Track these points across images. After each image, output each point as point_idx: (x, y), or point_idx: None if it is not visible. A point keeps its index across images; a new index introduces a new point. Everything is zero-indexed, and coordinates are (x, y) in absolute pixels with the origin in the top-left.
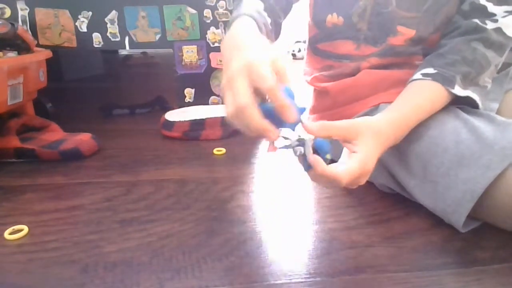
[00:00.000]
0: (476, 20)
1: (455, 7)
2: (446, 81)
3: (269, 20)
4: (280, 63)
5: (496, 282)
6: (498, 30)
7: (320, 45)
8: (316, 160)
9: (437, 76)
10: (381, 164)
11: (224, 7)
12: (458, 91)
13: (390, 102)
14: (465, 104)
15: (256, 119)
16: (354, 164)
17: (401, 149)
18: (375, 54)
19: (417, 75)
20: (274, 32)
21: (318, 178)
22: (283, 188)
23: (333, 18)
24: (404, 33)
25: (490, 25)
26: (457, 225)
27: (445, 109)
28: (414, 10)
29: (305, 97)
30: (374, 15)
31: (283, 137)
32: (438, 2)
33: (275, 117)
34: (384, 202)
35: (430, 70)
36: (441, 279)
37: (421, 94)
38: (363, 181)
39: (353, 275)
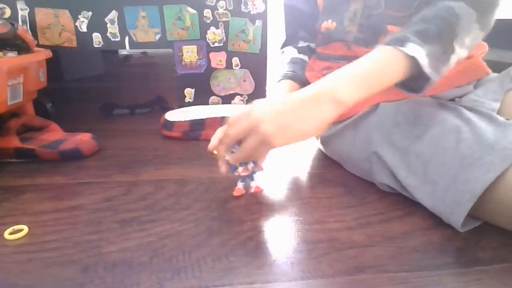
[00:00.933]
0: None
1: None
2: (395, 41)
3: (306, 58)
4: None
5: (496, 282)
6: None
7: (319, 49)
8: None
9: (388, 40)
10: (383, 163)
11: (224, 7)
12: (412, 49)
13: (389, 101)
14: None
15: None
16: (248, 138)
17: (402, 148)
18: None
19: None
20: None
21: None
22: (283, 188)
23: (327, 24)
24: (394, 32)
25: None
26: (456, 225)
27: (447, 107)
28: (404, 9)
29: None
30: (365, 18)
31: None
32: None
33: None
34: (384, 202)
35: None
36: (441, 279)
37: (369, 55)
38: (262, 135)
39: (353, 275)
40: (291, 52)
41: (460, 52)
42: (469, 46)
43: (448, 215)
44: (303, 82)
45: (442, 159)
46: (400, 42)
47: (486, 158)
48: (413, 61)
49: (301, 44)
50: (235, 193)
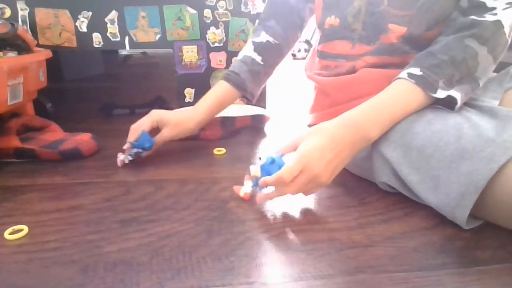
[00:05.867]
0: (473, 16)
1: (452, 3)
2: (428, 86)
3: (259, 58)
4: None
5: (496, 282)
6: (497, 23)
7: (320, 46)
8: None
9: (420, 80)
10: (385, 160)
11: (224, 7)
12: (440, 94)
13: None
14: (444, 104)
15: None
16: (293, 161)
17: (405, 145)
18: (370, 53)
19: (403, 73)
20: (276, 55)
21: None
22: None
23: (331, 20)
24: (395, 31)
25: (488, 18)
26: (461, 221)
27: None
28: (406, 8)
29: (306, 96)
30: (368, 15)
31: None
32: (431, 0)
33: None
34: (384, 202)
35: (417, 71)
36: (441, 279)
37: (393, 92)
38: (315, 182)
39: (353, 275)
40: (248, 47)
41: (481, 83)
42: (483, 80)
43: (453, 210)
44: (243, 86)
45: (444, 154)
46: (432, 88)
47: (487, 150)
48: (440, 100)
49: (262, 37)
50: (243, 196)
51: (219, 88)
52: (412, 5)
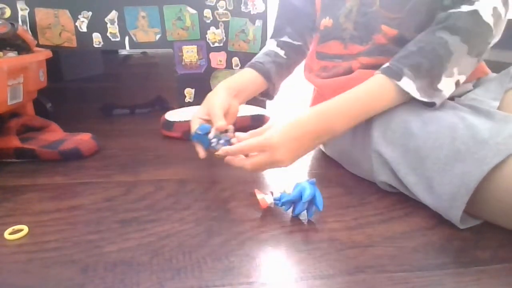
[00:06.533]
0: (451, 10)
1: (439, 5)
2: (392, 73)
3: (282, 52)
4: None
5: (496, 282)
6: (474, 13)
7: (317, 47)
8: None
9: (386, 69)
10: (384, 160)
11: (224, 7)
12: (405, 83)
13: None
14: (425, 103)
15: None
16: (257, 141)
17: (402, 146)
18: (364, 53)
19: (378, 70)
20: (298, 53)
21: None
22: (283, 188)
23: (325, 21)
24: (387, 32)
25: (464, 8)
26: (455, 221)
27: (443, 106)
28: (396, 11)
29: (304, 97)
30: (360, 15)
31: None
32: (419, 2)
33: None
34: (384, 202)
35: (386, 64)
36: (441, 279)
37: (364, 86)
38: (275, 165)
39: (353, 275)
40: (271, 44)
41: (446, 81)
42: (460, 72)
43: (447, 211)
44: (267, 75)
45: (438, 155)
46: (396, 75)
47: (480, 153)
48: (407, 93)
49: (284, 39)
50: (260, 201)
51: (245, 73)
52: (402, 8)
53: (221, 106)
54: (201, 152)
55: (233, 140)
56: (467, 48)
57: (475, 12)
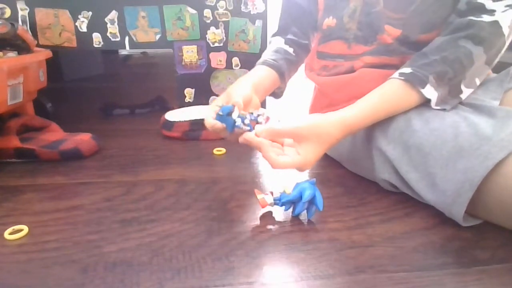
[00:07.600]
0: (471, 17)
1: (448, 7)
2: (417, 80)
3: (291, 50)
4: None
5: (496, 282)
6: (495, 23)
7: (319, 47)
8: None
9: (410, 76)
10: (385, 158)
11: (224, 7)
12: (428, 91)
13: None
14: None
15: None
16: (293, 162)
17: (404, 143)
18: (368, 53)
19: (396, 73)
20: (304, 52)
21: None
22: (283, 188)
23: (328, 21)
24: (391, 33)
25: (486, 18)
26: (458, 217)
27: None
28: (400, 11)
29: (304, 96)
30: (364, 15)
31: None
32: (425, 3)
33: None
34: (384, 202)
35: (407, 70)
36: (441, 279)
37: (388, 92)
38: (298, 169)
39: (353, 275)
40: (278, 41)
41: (466, 90)
42: (476, 82)
43: (450, 207)
44: (281, 71)
45: (441, 152)
46: (421, 83)
47: (483, 148)
48: (428, 100)
49: (290, 37)
50: (260, 200)
51: (260, 71)
52: (406, 8)
53: (243, 94)
54: (224, 132)
55: (259, 119)
56: (485, 58)
57: (496, 23)
